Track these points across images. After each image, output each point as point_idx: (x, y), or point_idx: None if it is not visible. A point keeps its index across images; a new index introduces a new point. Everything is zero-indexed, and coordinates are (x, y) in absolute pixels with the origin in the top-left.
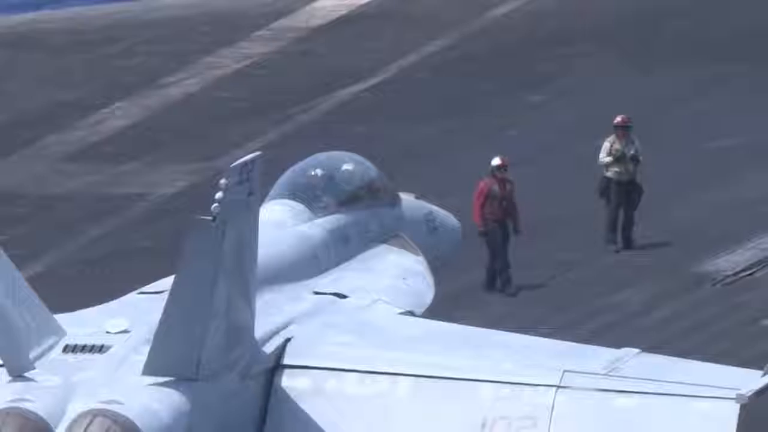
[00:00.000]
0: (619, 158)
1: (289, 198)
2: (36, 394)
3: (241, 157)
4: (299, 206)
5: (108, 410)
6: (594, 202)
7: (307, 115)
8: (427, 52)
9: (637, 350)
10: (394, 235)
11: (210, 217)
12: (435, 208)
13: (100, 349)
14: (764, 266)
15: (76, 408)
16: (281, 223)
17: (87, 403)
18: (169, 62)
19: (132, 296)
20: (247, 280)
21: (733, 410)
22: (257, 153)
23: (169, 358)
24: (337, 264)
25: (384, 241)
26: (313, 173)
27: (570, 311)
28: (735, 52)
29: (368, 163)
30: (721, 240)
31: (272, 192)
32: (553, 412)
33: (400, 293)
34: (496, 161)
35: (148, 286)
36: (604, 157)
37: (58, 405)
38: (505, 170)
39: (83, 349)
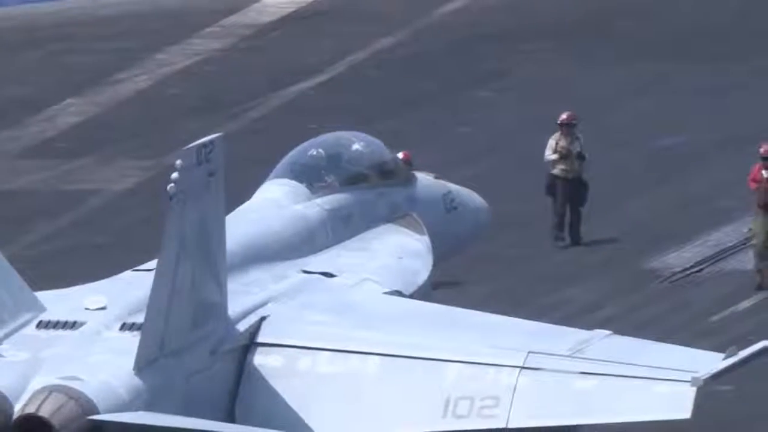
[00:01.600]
0: (564, 155)
1: (290, 177)
2: (0, 370)
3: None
4: (298, 186)
5: (65, 386)
6: (542, 199)
7: (257, 111)
8: (377, 49)
9: (607, 332)
10: (404, 215)
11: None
12: (457, 188)
13: (73, 325)
14: (711, 263)
15: (37, 384)
16: (278, 203)
17: (49, 379)
18: (120, 59)
19: (126, 274)
20: (214, 258)
21: (689, 393)
22: (217, 134)
23: (143, 340)
24: (336, 243)
25: (391, 221)
26: (316, 153)
27: (519, 308)
28: (679, 52)
29: (379, 144)
30: (669, 237)
31: (274, 171)
32: (515, 392)
33: (392, 273)
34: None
35: (145, 264)
36: (549, 155)
37: (21, 380)
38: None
39: (56, 325)
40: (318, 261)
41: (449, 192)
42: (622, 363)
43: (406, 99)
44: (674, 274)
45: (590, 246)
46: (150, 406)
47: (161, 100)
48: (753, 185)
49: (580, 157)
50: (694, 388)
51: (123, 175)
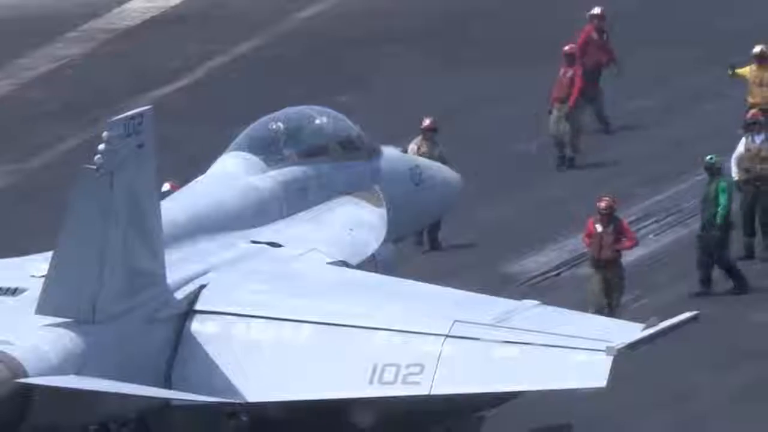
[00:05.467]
0: None
1: (246, 150)
2: None
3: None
4: (253, 158)
5: None
6: None
7: (119, 116)
8: (237, 53)
9: (536, 302)
10: (365, 188)
11: (93, 167)
12: (426, 161)
13: (14, 291)
14: (569, 267)
15: None
16: (231, 175)
17: None
18: None
19: None
20: (147, 227)
21: (605, 362)
22: (147, 107)
23: (63, 300)
24: (290, 214)
25: (350, 193)
26: (274, 126)
27: None
28: (543, 54)
29: (342, 118)
30: (528, 240)
31: (232, 144)
32: (440, 360)
33: (339, 244)
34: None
35: None
36: None
37: None
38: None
39: None
40: (268, 232)
41: (417, 166)
42: (545, 332)
43: (269, 103)
44: (532, 277)
45: (449, 250)
46: (82, 371)
47: (24, 105)
48: (587, 241)
49: (441, 161)
50: (610, 358)
51: None
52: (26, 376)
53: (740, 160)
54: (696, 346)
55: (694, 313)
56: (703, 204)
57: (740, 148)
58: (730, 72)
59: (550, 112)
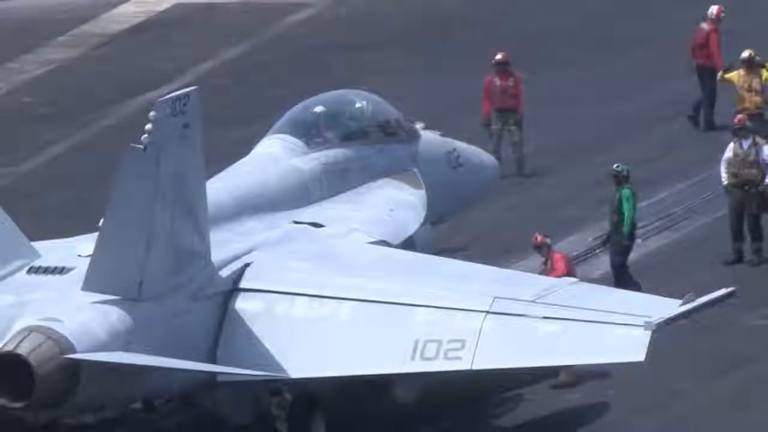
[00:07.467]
0: None
1: (288, 133)
2: None
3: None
4: (296, 141)
5: (44, 327)
6: None
7: (108, 120)
8: (226, 58)
9: (573, 279)
10: (404, 170)
11: (140, 146)
12: (464, 145)
13: (62, 270)
14: None
15: (20, 325)
16: (274, 157)
17: (31, 321)
18: None
19: None
20: (193, 207)
21: (644, 336)
22: (192, 88)
23: (110, 278)
24: (331, 196)
25: (389, 175)
26: (316, 109)
27: None
28: (527, 58)
29: (381, 102)
30: (517, 244)
31: (274, 127)
32: (480, 336)
33: (380, 224)
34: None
35: None
36: None
37: (6, 322)
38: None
39: (46, 270)
40: (309, 212)
41: (455, 149)
42: (584, 308)
43: (255, 108)
44: None
45: (439, 253)
46: (129, 348)
47: (15, 109)
48: None
49: None
50: (648, 332)
51: None
52: (74, 352)
53: (728, 165)
54: (684, 350)
55: (731, 289)
56: (610, 212)
57: (728, 152)
58: (719, 76)
59: (488, 125)
